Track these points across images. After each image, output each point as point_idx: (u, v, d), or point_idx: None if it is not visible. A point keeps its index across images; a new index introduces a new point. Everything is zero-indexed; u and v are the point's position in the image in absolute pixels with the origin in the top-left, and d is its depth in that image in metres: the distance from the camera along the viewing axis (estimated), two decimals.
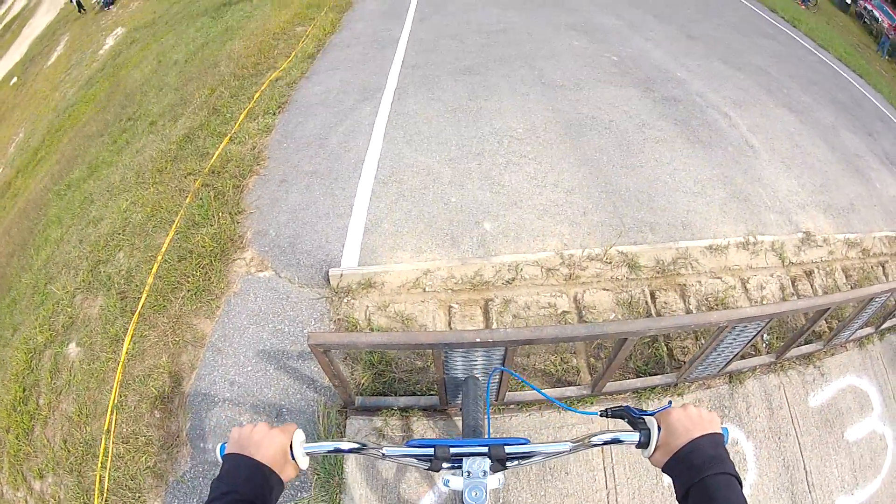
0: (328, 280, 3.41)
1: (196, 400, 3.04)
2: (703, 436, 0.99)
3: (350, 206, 3.92)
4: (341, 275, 3.36)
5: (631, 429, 1.12)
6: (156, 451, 2.90)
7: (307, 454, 1.10)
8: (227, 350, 3.21)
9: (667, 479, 2.80)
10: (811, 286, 4.10)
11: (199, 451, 2.87)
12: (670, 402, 1.14)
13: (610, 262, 3.67)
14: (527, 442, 1.18)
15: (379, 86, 5.51)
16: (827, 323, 3.84)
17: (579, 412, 1.34)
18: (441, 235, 3.73)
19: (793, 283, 4.06)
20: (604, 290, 3.54)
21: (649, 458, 1.07)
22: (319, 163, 4.42)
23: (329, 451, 1.17)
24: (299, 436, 1.09)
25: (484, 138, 4.68)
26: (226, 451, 1.04)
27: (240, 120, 5.10)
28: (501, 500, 2.66)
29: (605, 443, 1.15)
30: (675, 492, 0.98)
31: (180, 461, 2.86)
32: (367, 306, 3.26)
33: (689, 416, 1.03)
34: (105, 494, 2.83)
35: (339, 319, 3.23)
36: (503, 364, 2.48)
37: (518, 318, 3.27)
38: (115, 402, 3.13)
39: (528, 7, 8.30)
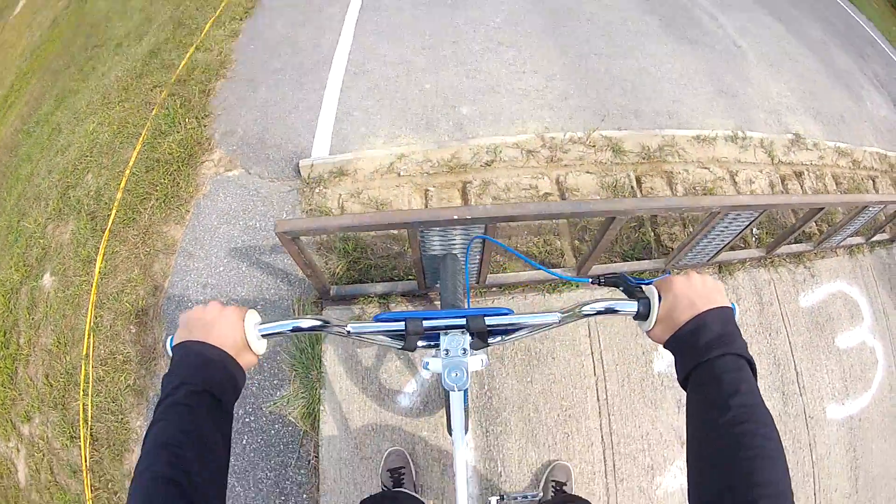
0: (299, 172, 3.25)
1: (170, 308, 2.95)
2: (710, 310, 0.84)
3: (320, 99, 3.71)
4: (312, 164, 3.20)
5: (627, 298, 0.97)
6: (134, 368, 2.84)
7: (263, 336, 0.93)
8: (198, 254, 3.10)
9: (657, 367, 2.74)
10: (801, 187, 3.97)
11: None
12: (668, 272, 0.99)
13: (593, 146, 3.50)
14: (510, 312, 1.03)
15: None
16: (817, 226, 3.74)
17: (568, 278, 1.17)
18: (416, 120, 3.54)
19: (782, 181, 3.94)
20: (587, 173, 3.39)
21: (648, 333, 0.92)
22: (287, 60, 4.17)
23: (288, 331, 0.98)
24: (253, 317, 0.92)
25: (459, 27, 4.41)
26: (175, 342, 0.87)
27: (206, 29, 4.80)
28: (487, 387, 2.59)
29: (598, 312, 0.97)
30: (677, 372, 0.85)
31: (159, 374, 2.80)
32: (340, 194, 3.11)
33: (694, 285, 0.87)
34: (90, 423, 2.79)
35: (310, 210, 3.09)
36: (483, 246, 2.33)
37: (498, 199, 3.13)
38: (92, 324, 3.04)
39: None
